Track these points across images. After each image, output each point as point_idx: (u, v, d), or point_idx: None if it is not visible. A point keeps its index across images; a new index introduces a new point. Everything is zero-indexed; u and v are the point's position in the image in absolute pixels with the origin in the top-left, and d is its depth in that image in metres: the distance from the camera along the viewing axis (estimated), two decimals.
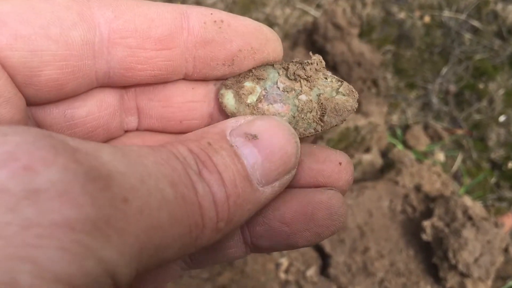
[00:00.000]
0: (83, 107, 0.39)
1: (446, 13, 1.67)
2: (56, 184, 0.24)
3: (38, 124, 0.38)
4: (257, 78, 0.40)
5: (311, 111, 0.40)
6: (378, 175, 1.40)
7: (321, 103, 0.40)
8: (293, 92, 0.40)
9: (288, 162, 0.33)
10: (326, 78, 0.41)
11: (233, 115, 0.40)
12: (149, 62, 0.37)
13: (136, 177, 0.27)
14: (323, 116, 0.40)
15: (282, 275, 1.22)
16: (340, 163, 0.38)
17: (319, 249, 1.26)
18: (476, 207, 1.21)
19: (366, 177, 1.39)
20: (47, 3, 0.34)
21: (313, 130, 0.40)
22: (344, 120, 0.40)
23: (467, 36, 1.65)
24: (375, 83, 1.59)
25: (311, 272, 1.22)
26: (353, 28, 1.57)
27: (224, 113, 0.41)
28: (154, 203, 0.27)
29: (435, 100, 1.59)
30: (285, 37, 1.65)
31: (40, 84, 0.34)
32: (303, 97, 0.40)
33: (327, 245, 1.24)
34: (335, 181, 0.38)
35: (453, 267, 1.15)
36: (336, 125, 0.40)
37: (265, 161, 0.32)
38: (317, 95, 0.40)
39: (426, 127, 1.55)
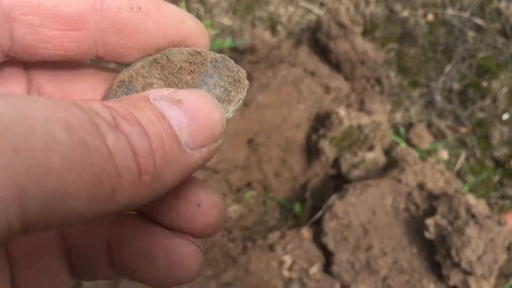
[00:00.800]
0: None
1: (450, 11, 1.67)
2: None
3: None
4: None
5: None
6: (381, 173, 1.40)
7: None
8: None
9: (215, 128, 0.31)
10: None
11: None
12: (53, 42, 0.35)
13: (11, 115, 0.24)
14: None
15: (286, 273, 1.23)
16: (198, 205, 0.35)
17: (323, 247, 1.27)
18: (479, 205, 1.22)
19: (369, 175, 1.40)
20: None
21: None
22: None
23: (471, 34, 1.65)
24: (378, 81, 1.60)
25: (315, 269, 1.23)
26: (357, 26, 1.57)
27: None
28: (37, 143, 0.24)
29: (438, 98, 1.59)
30: (288, 35, 1.66)
31: None
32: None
33: (330, 243, 1.24)
34: (189, 223, 0.35)
35: (456, 265, 1.15)
36: None
37: (191, 123, 0.30)
38: None
39: (429, 125, 1.55)
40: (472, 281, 1.16)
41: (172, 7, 0.37)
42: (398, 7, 1.68)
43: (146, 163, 0.28)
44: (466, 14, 1.66)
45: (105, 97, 0.39)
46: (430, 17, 1.68)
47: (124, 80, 0.37)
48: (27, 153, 0.24)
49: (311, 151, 1.46)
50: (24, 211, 0.24)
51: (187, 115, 0.31)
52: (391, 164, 1.41)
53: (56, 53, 0.35)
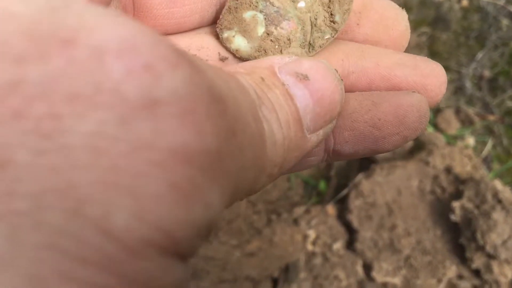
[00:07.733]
0: None
1: None
2: (180, 97, 0.18)
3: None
4: (250, 4, 0.34)
5: (318, 16, 0.35)
6: (407, 156, 1.40)
7: (323, 2, 0.35)
8: (289, 2, 0.34)
9: (335, 109, 0.29)
10: None
11: (250, 57, 0.35)
12: None
13: (238, 107, 0.22)
14: (333, 15, 0.34)
15: (310, 247, 1.24)
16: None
17: (347, 225, 1.28)
18: (506, 192, 1.22)
19: (395, 157, 1.40)
20: None
21: (330, 37, 0.35)
22: (350, 9, 0.34)
23: (505, 22, 1.63)
24: None
25: (338, 245, 1.25)
26: None
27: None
28: (245, 139, 0.22)
29: (468, 84, 1.58)
30: None
31: None
32: (301, 3, 0.34)
33: (354, 221, 1.26)
34: (435, 96, 0.35)
35: (481, 248, 1.16)
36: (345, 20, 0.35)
37: (315, 105, 0.28)
38: None
39: (457, 111, 1.55)
40: (495, 265, 1.16)
41: None
42: None
43: (278, 154, 0.26)
44: (501, 2, 1.64)
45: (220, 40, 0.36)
46: (465, 2, 1.66)
47: None
48: (243, 151, 0.22)
49: None
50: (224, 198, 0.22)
51: (313, 96, 0.28)
52: (418, 147, 1.41)
53: None
